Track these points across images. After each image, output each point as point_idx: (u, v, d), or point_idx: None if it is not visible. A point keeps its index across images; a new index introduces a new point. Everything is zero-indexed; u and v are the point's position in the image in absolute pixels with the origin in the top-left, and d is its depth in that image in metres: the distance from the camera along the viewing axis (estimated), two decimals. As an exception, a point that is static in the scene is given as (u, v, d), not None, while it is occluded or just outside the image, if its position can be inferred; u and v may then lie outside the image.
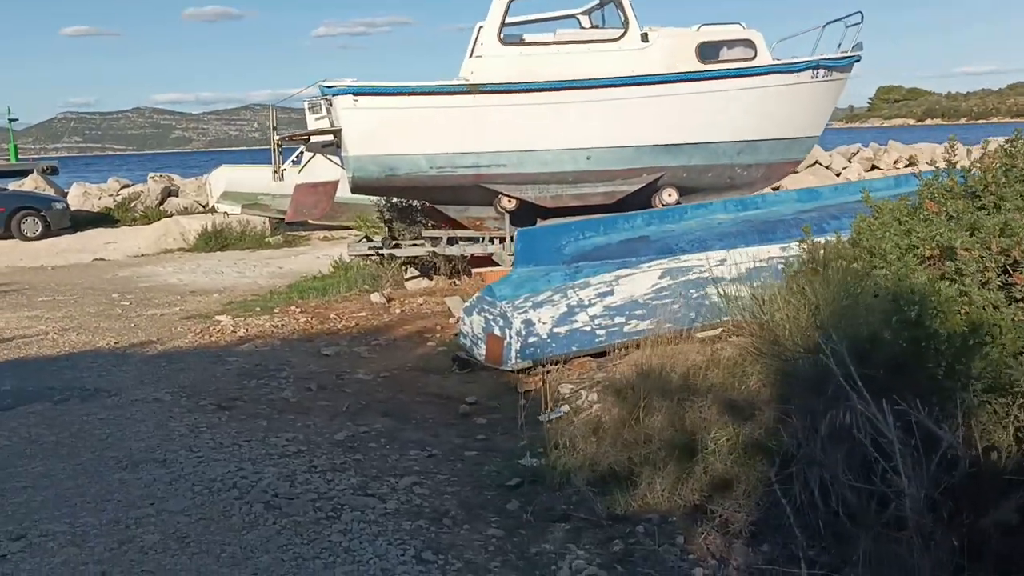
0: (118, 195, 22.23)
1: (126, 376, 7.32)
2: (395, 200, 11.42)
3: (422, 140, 9.45)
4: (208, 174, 19.60)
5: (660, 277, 7.05)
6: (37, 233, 18.95)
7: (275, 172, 10.14)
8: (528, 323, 6.89)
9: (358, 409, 6.34)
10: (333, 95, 9.44)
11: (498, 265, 10.33)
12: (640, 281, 7.04)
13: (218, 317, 9.68)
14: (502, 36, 9.60)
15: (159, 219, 20.82)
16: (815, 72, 10.05)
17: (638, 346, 6.76)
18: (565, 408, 5.99)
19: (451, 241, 10.51)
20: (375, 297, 10.35)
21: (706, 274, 7.07)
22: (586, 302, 6.98)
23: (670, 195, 10.04)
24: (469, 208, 10.39)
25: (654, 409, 4.92)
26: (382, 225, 13.29)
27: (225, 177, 18.28)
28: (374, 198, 19.16)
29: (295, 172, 10.68)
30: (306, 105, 10.25)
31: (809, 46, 10.52)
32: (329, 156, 10.26)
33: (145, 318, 10.14)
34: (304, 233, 19.19)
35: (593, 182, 9.89)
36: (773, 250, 7.13)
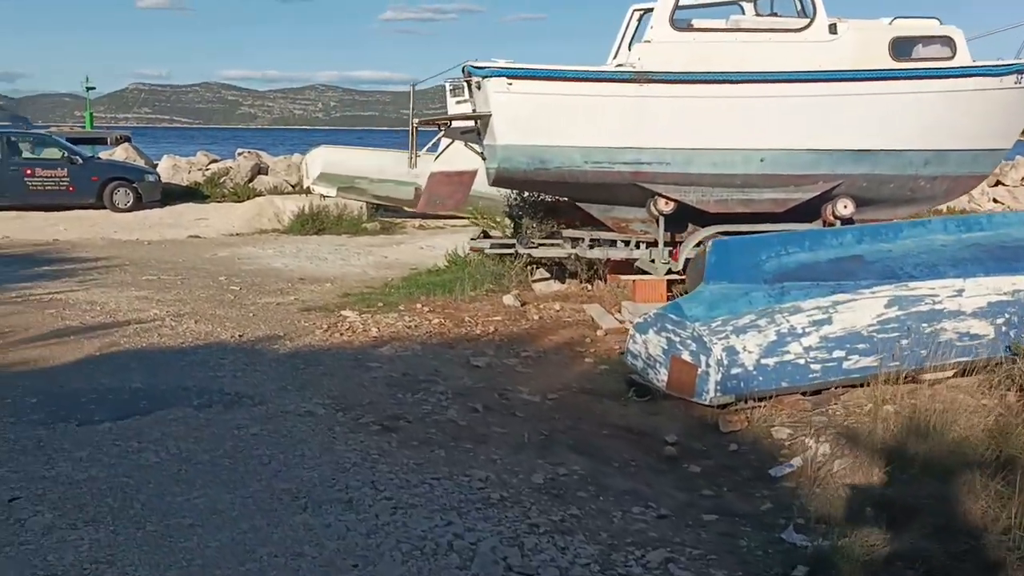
0: (207, 169, 21.74)
1: (264, 378, 6.55)
2: (526, 195, 10.53)
3: (579, 131, 8.54)
4: (304, 153, 18.94)
5: (887, 306, 6.05)
6: (128, 204, 18.49)
7: (410, 158, 9.32)
8: (731, 351, 5.95)
9: (541, 441, 5.47)
10: (483, 77, 8.58)
11: (645, 273, 9.41)
12: (863, 309, 6.06)
13: (344, 313, 8.89)
14: (674, 20, 8.63)
15: (249, 197, 20.28)
16: (1019, 77, 8.90)
17: (861, 385, 5.84)
18: (797, 461, 5.06)
19: (592, 243, 9.60)
20: (508, 300, 9.49)
21: (940, 306, 6.06)
22: (798, 330, 6.02)
23: (845, 206, 8.99)
24: (615, 208, 9.46)
25: (960, 483, 3.95)
26: (501, 221, 12.45)
27: (323, 158, 17.57)
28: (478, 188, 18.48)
29: (430, 159, 9.84)
30: (447, 87, 9.41)
31: (991, 48, 9.36)
32: (470, 144, 9.40)
33: (260, 307, 9.42)
34: (398, 220, 18.44)
35: (762, 187, 8.88)
36: (1020, 282, 6.10)
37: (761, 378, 5.96)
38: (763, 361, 5.97)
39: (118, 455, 4.83)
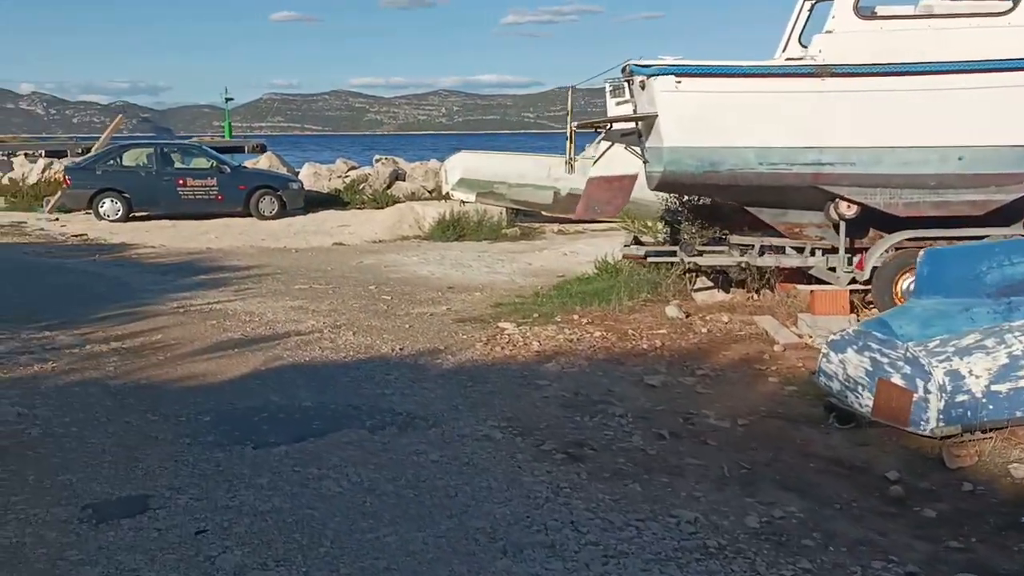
0: (346, 176, 22.05)
1: (433, 397, 6.27)
2: (686, 198, 9.95)
3: (755, 131, 7.93)
4: (438, 160, 18.90)
5: None
6: (273, 212, 18.91)
7: (567, 163, 8.92)
8: (954, 375, 5.25)
9: (743, 475, 4.94)
10: (649, 76, 8.09)
11: (822, 282, 8.70)
12: (1114, 330, 5.24)
13: (502, 325, 8.57)
14: (859, 8, 7.91)
15: (388, 203, 20.42)
16: None
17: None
18: (1055, 509, 4.35)
19: (762, 250, 8.95)
20: (671, 311, 8.96)
21: None
22: (1035, 352, 5.26)
23: (1054, 209, 8.05)
24: (787, 212, 8.79)
25: None
26: (653, 225, 11.90)
27: (463, 163, 17.45)
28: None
29: (588, 164, 9.41)
30: (607, 87, 8.95)
31: None
32: (630, 147, 8.92)
33: (415, 317, 9.21)
34: (536, 225, 18.13)
35: (959, 188, 8.03)
36: None
37: (991, 407, 5.24)
38: (993, 387, 5.24)
39: (299, 483, 4.61)
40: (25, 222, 17.75)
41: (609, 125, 8.79)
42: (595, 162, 9.10)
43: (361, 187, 21.32)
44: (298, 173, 22.04)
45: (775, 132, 7.87)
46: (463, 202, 17.38)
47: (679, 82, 7.93)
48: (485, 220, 16.75)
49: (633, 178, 8.98)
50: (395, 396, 6.28)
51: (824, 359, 6.23)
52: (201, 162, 19.13)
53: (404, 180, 21.91)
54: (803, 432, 5.71)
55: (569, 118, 8.82)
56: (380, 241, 16.23)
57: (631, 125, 8.87)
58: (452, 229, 16.33)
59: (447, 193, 18.18)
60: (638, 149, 8.95)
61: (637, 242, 10.62)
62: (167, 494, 4.45)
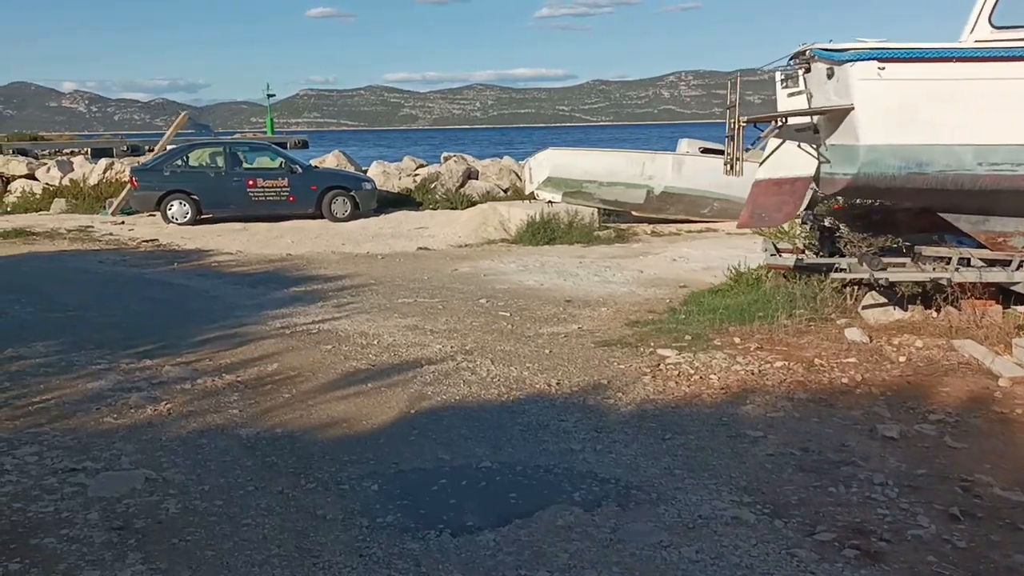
0: (415, 175, 21.03)
1: (631, 453, 5.16)
2: (848, 201, 8.74)
3: (975, 126, 6.71)
4: (530, 157, 17.78)
5: None
6: (346, 214, 17.95)
7: (728, 163, 7.74)
8: None
9: (1101, 580, 3.76)
10: (842, 62, 6.88)
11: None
12: None
13: (662, 353, 7.44)
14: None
15: (462, 203, 19.39)
16: None
17: None
18: None
19: (960, 263, 7.71)
20: (853, 334, 7.76)
21: None
22: None
23: None
24: (990, 220, 7.56)
25: None
26: (790, 230, 10.68)
27: (552, 161, 16.26)
28: (715, 189, 16.72)
29: (754, 165, 8.21)
30: (778, 77, 7.77)
31: None
32: (803, 145, 7.71)
33: (547, 339, 8.12)
34: (625, 225, 16.96)
35: None
36: None
37: None
38: None
39: (537, 597, 3.52)
40: (91, 226, 16.93)
41: (783, 120, 7.59)
42: (762, 163, 7.93)
43: (432, 186, 20.29)
44: (366, 171, 21.06)
45: (1004, 128, 6.64)
46: (550, 202, 16.25)
47: (882, 68, 6.72)
48: (576, 222, 15.61)
49: (807, 180, 7.78)
50: (587, 453, 5.17)
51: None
52: (272, 162, 18.19)
53: (477, 178, 20.84)
54: (1125, 507, 4.51)
55: (736, 112, 7.63)
56: (466, 245, 15.16)
57: (805, 120, 7.67)
58: (542, 232, 15.22)
59: (531, 193, 17.04)
60: (810, 147, 7.75)
61: (776, 250, 9.41)
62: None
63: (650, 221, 17.44)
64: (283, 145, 49.98)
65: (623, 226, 16.83)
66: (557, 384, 6.64)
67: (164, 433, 5.48)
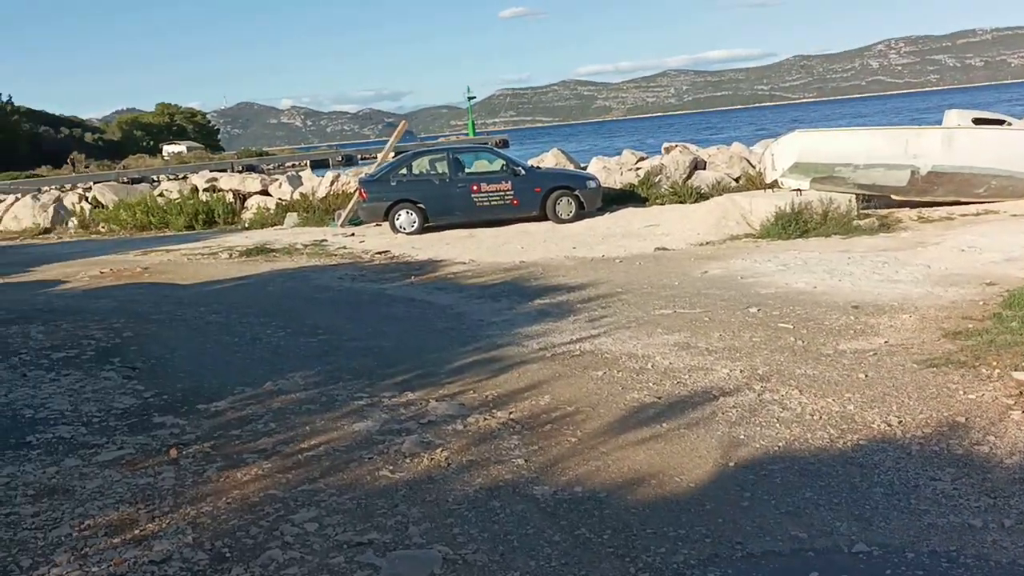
0: (637, 168, 19.95)
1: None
2: None
3: None
4: (774, 140, 16.26)
5: None
6: (571, 215, 17.17)
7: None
8: None
9: None
10: None
11: None
12: None
13: (1019, 376, 5.97)
14: None
15: (690, 196, 18.13)
16: None
17: None
18: None
19: None
20: None
21: None
22: None
23: None
24: None
25: None
26: None
27: (798, 144, 14.67)
28: (994, 165, 14.54)
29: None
30: None
31: None
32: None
33: (853, 358, 6.82)
34: (883, 212, 15.04)
35: None
36: None
37: None
38: None
39: None
40: (325, 240, 17.11)
41: None
42: None
43: (657, 179, 19.13)
44: (585, 168, 20.24)
45: None
46: (798, 191, 14.68)
47: None
48: (831, 211, 13.97)
49: None
50: (993, 532, 3.92)
51: None
52: (494, 166, 17.72)
53: (704, 169, 19.47)
54: None
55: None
56: (708, 243, 13.92)
57: None
58: (794, 224, 13.71)
59: (774, 181, 15.51)
60: None
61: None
62: None
63: (912, 205, 15.43)
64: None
65: (883, 212, 14.96)
66: (899, 424, 5.37)
67: (449, 492, 4.75)
